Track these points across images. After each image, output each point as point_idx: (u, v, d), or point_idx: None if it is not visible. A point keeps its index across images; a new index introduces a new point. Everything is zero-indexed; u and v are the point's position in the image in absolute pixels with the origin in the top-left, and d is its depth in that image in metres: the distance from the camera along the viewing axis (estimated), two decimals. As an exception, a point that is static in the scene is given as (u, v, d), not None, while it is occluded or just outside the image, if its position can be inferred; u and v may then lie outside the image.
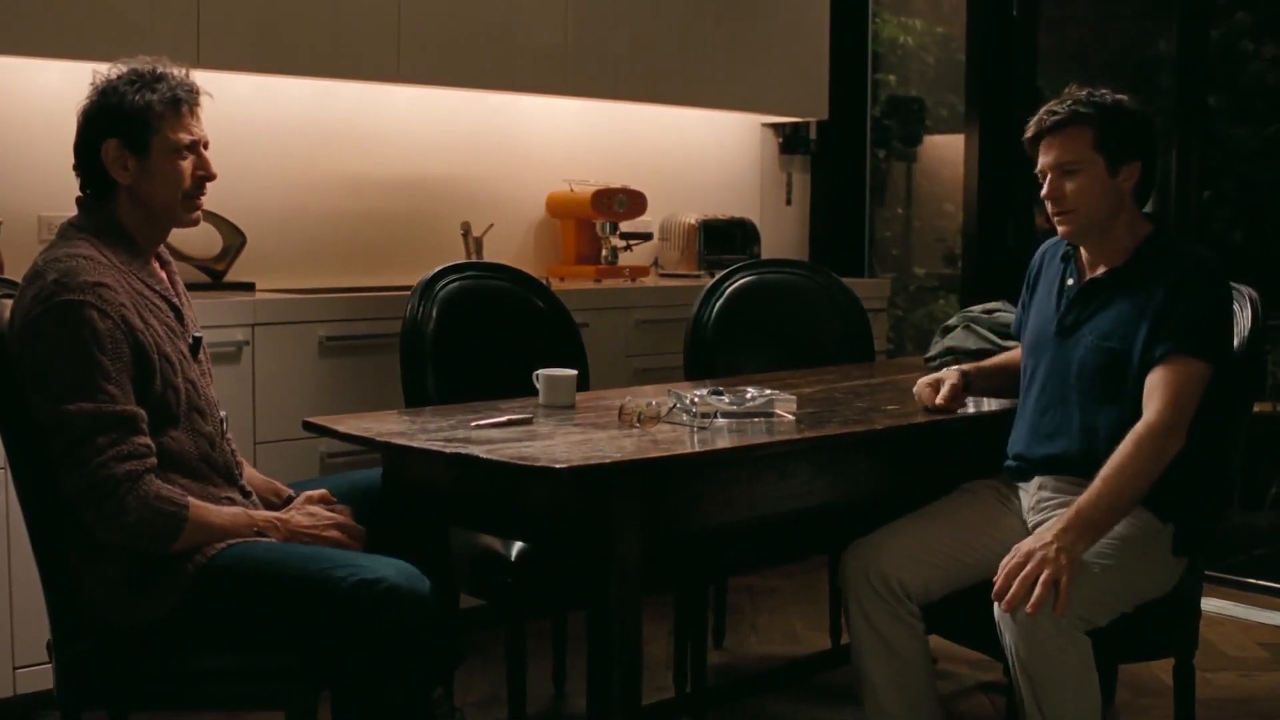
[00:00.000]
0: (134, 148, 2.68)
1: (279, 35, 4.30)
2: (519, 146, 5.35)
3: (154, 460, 2.56)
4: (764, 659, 4.41)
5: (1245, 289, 3.20)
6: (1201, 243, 6.02)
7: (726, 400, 3.05)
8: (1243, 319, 3.15)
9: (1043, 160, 3.05)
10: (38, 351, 2.53)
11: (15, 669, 3.63)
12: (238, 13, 4.20)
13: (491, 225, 5.08)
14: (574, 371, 3.30)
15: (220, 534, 2.63)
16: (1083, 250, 3.11)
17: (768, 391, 3.12)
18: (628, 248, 5.44)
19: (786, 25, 5.82)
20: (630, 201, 5.30)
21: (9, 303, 2.68)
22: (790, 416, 3.05)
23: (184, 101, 2.72)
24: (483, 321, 3.77)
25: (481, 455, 2.65)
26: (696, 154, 5.97)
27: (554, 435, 2.85)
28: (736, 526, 3.50)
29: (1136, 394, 2.93)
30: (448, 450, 2.71)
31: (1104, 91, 3.02)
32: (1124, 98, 3.02)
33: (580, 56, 5.09)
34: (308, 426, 3.06)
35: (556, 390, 3.22)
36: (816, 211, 6.44)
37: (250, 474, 2.95)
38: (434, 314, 3.65)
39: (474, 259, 4.85)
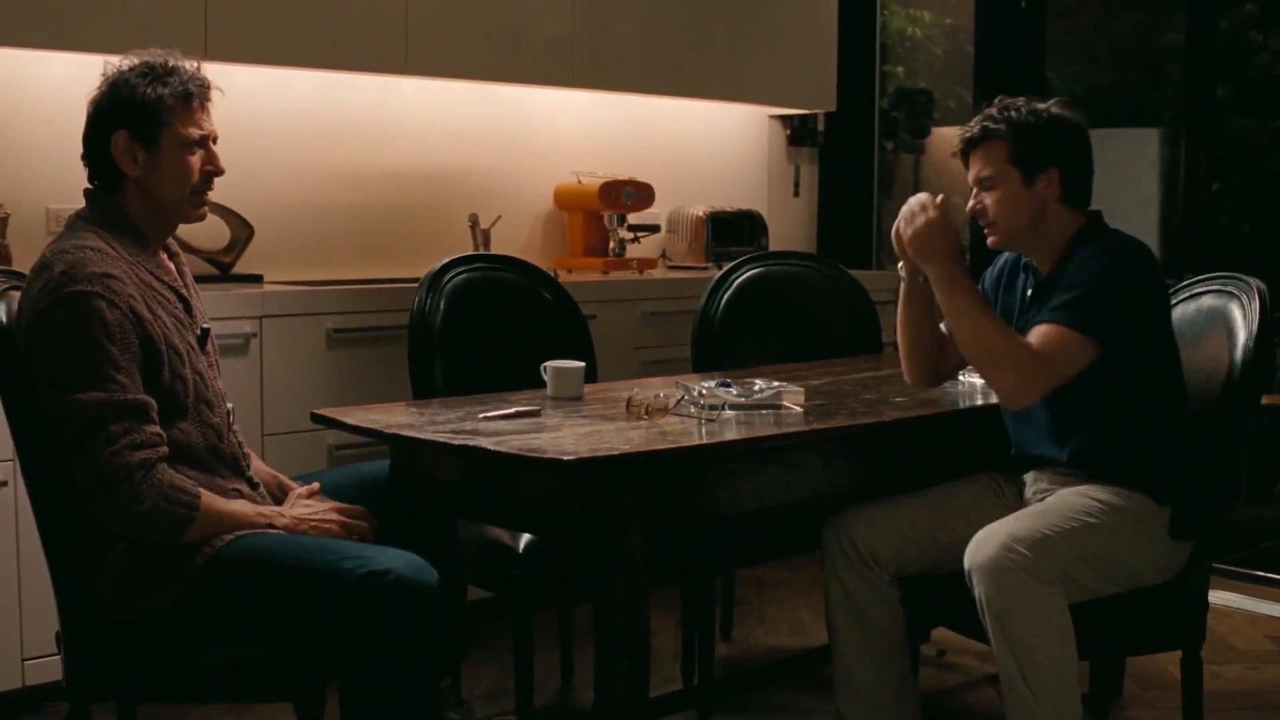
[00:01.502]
0: (143, 140, 2.68)
1: (287, 28, 4.30)
2: (526, 138, 5.35)
3: (166, 449, 2.56)
4: (771, 651, 4.41)
5: (1253, 281, 3.19)
6: (1209, 235, 6.04)
7: (734, 392, 3.05)
8: (1250, 311, 3.14)
9: (969, 175, 3.11)
10: (47, 342, 2.53)
11: (24, 660, 3.63)
12: (245, 5, 4.20)
13: (499, 217, 5.08)
14: (582, 364, 3.30)
15: (230, 525, 2.64)
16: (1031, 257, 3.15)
17: (775, 383, 3.12)
18: (635, 239, 5.44)
19: (794, 17, 5.82)
20: (638, 193, 5.30)
21: (17, 295, 2.68)
22: (798, 409, 3.05)
23: (195, 96, 2.72)
24: (490, 313, 3.77)
25: (489, 447, 2.65)
26: (704, 146, 5.97)
27: (562, 427, 2.85)
28: (744, 518, 3.50)
29: (1096, 383, 2.95)
30: (455, 442, 2.71)
31: (1020, 102, 3.06)
32: (1043, 106, 3.06)
33: (587, 48, 5.09)
34: (315, 418, 3.06)
35: (564, 382, 3.22)
36: (824, 203, 6.44)
37: (257, 466, 2.96)
38: (442, 306, 3.65)
39: (481, 251, 4.85)
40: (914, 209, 3.02)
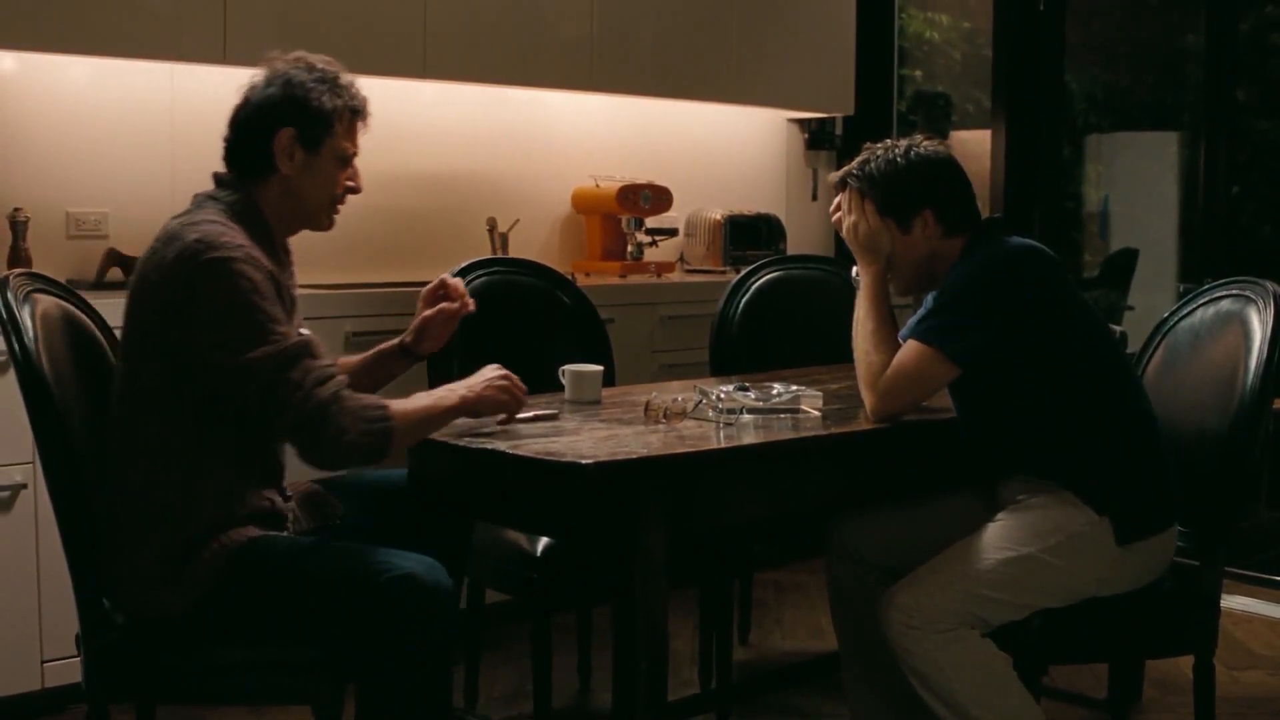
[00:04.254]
0: (307, 143, 2.74)
1: (305, 31, 4.31)
2: (544, 142, 5.36)
3: (344, 377, 2.62)
4: (789, 654, 4.41)
5: (1270, 285, 3.17)
6: (1230, 238, 6.02)
7: (752, 396, 3.05)
8: (1267, 316, 3.12)
9: None
10: (202, 314, 2.54)
11: (44, 662, 3.65)
12: (264, 8, 4.21)
13: (517, 221, 5.09)
14: (600, 367, 3.30)
15: (425, 420, 2.71)
16: None
17: (794, 387, 3.11)
18: (653, 243, 5.45)
19: (812, 20, 5.82)
20: (655, 197, 5.30)
21: (41, 297, 2.69)
22: (816, 412, 3.05)
23: (359, 114, 2.84)
24: (508, 317, 3.77)
25: (507, 451, 2.65)
26: (722, 149, 5.97)
27: (580, 431, 2.86)
28: (762, 522, 3.50)
29: (1002, 389, 2.97)
30: (473, 445, 2.72)
31: (879, 151, 3.08)
32: (901, 151, 3.06)
33: (606, 52, 5.10)
34: (334, 421, 3.06)
35: (583, 386, 3.22)
36: (842, 207, 6.43)
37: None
38: (460, 309, 3.65)
39: (499, 254, 4.86)
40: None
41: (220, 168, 2.78)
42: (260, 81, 2.77)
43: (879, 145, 3.11)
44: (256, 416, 2.58)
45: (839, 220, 3.13)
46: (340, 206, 2.87)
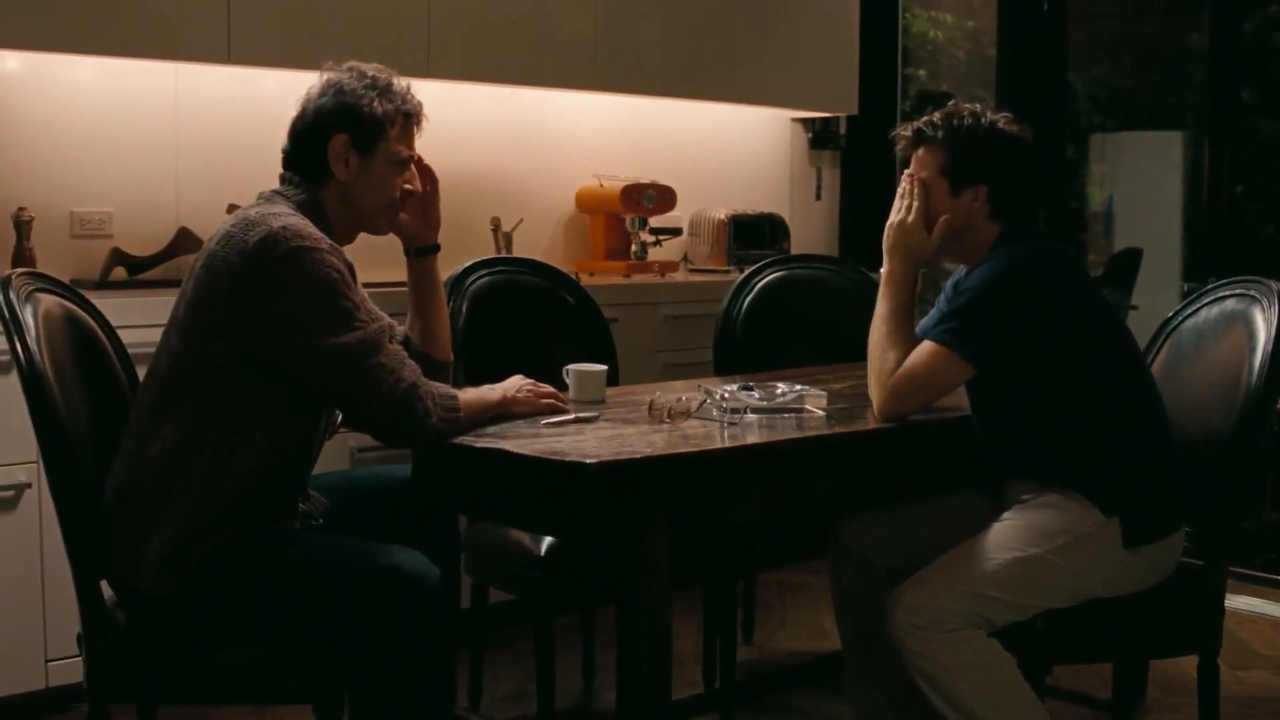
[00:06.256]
0: (360, 148, 2.80)
1: (309, 31, 4.31)
2: (548, 142, 5.36)
3: (416, 365, 2.75)
4: (793, 654, 4.41)
5: (1275, 284, 3.17)
6: (1233, 238, 6.02)
7: (756, 396, 3.05)
8: (1271, 315, 3.12)
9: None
10: (292, 297, 2.59)
11: (47, 662, 3.65)
12: (268, 9, 4.20)
13: (521, 220, 5.09)
14: (604, 367, 3.30)
15: (482, 412, 2.85)
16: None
17: (798, 387, 3.11)
18: (657, 243, 5.44)
19: (816, 20, 5.81)
20: (659, 197, 5.30)
21: (44, 296, 2.70)
22: (820, 412, 3.05)
23: (413, 118, 2.89)
24: (512, 316, 3.77)
25: (511, 450, 2.65)
26: (726, 149, 5.96)
27: (584, 430, 2.85)
28: (766, 521, 3.50)
29: (1019, 391, 2.97)
30: (478, 444, 2.72)
31: (964, 112, 3.05)
32: (987, 120, 3.03)
33: (610, 52, 5.09)
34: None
35: (587, 385, 3.22)
36: (846, 206, 6.43)
37: None
38: (464, 309, 3.66)
39: (503, 254, 4.85)
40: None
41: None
42: (315, 92, 2.83)
43: (966, 106, 3.07)
44: (340, 398, 2.71)
45: (907, 190, 3.10)
46: (399, 210, 2.94)
